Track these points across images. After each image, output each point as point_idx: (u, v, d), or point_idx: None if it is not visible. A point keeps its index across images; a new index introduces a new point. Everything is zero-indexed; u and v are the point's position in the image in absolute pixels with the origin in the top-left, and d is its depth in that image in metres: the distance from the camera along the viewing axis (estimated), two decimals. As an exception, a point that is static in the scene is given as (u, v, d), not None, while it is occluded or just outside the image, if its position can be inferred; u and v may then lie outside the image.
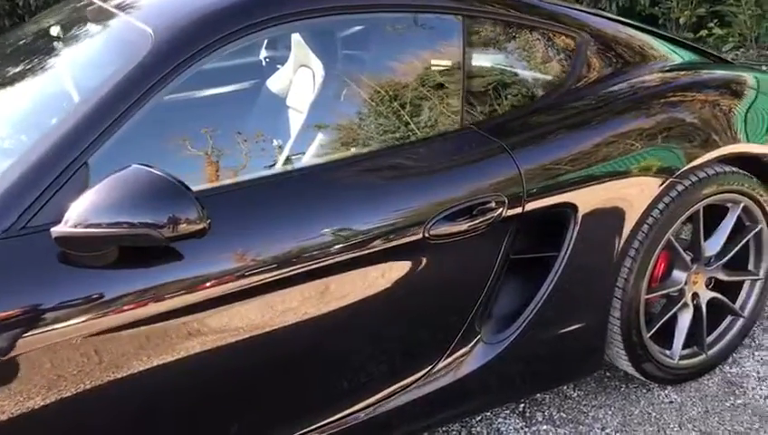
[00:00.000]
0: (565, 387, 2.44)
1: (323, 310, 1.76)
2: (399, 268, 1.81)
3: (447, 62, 2.01)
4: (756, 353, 2.58)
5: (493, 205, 1.86)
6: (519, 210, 1.90)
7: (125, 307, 1.52)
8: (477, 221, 1.85)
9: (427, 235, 1.79)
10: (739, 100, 2.39)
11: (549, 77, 2.19)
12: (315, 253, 1.72)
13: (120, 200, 1.40)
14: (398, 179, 1.84)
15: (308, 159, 2.08)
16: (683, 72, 2.43)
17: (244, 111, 2.67)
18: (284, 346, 1.77)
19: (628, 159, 2.05)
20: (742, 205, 2.33)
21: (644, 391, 2.42)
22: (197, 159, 2.07)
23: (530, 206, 1.92)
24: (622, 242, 2.09)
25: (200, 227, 1.45)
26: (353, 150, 1.98)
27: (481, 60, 2.08)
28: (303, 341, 1.79)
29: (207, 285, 1.58)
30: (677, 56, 2.55)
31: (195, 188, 1.69)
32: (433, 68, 2.04)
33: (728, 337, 2.49)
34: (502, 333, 2.04)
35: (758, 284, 2.49)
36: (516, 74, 2.15)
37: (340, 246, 1.74)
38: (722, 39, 7.34)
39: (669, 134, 2.13)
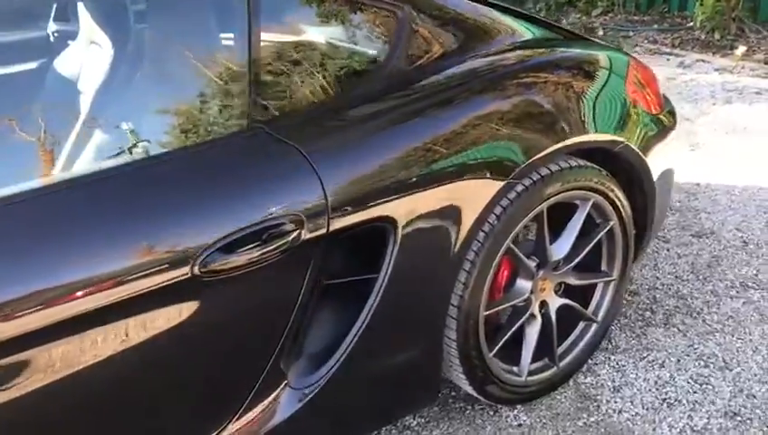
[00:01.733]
0: (404, 414, 2.15)
1: (73, 371, 1.36)
2: (167, 315, 1.42)
3: (228, 40, 1.61)
4: (612, 358, 2.38)
5: (287, 227, 1.50)
6: (323, 231, 1.55)
7: None
8: (268, 249, 1.48)
9: (197, 272, 1.41)
10: (590, 82, 2.12)
11: (363, 62, 1.83)
12: (59, 299, 1.31)
13: None
14: (157, 200, 1.43)
15: (78, 168, 1.64)
16: (526, 52, 2.13)
17: (20, 100, 2.17)
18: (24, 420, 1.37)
19: (457, 159, 1.74)
20: (591, 202, 2.08)
21: (491, 413, 2.16)
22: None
23: (337, 224, 1.57)
24: (453, 256, 1.78)
25: None
26: (117, 160, 1.55)
27: (274, 38, 1.69)
28: (50, 412, 1.39)
29: None
30: (524, 31, 2.26)
31: None
32: (213, 48, 1.64)
33: (582, 345, 2.26)
34: (313, 373, 1.69)
35: (612, 285, 2.26)
36: (321, 57, 1.77)
37: (86, 290, 1.33)
38: (591, 3, 7.26)
39: (506, 126, 1.83)
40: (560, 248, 2.08)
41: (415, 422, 2.13)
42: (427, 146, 1.70)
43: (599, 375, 2.30)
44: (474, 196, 1.77)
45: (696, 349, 2.41)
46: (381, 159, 1.64)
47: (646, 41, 6.38)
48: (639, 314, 2.60)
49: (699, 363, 2.34)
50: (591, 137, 2.00)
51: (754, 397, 2.18)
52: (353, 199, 1.58)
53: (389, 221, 1.65)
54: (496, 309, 1.99)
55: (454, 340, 1.92)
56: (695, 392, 2.22)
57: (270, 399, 1.64)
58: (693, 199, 3.44)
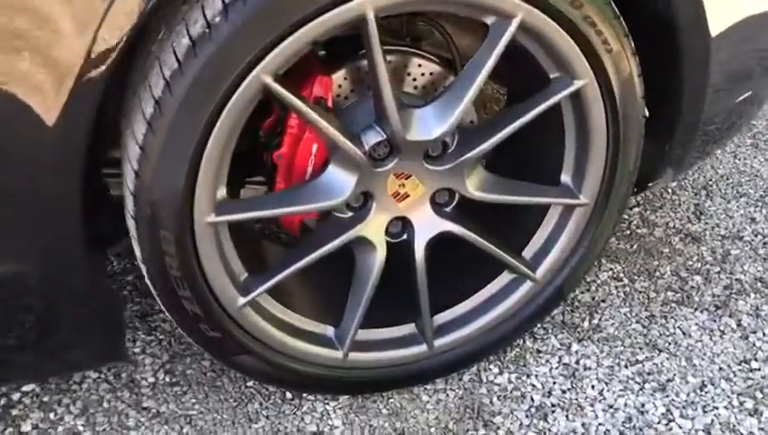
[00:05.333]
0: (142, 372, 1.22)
1: None
2: None
3: None
4: (576, 349, 1.27)
5: None
6: None
7: None
8: None
9: None
10: None
11: None
12: None
13: None
14: None
15: None
16: None
17: None
18: None
19: None
20: (515, 23, 0.92)
21: (287, 398, 1.20)
22: None
23: None
24: (74, 98, 0.79)
25: None
26: None
27: None
28: None
29: None
30: None
31: None
32: None
33: (495, 314, 1.17)
34: None
35: (577, 214, 1.13)
36: None
37: None
38: None
39: None
40: (433, 117, 0.98)
41: (160, 381, 1.21)
42: None
43: (527, 374, 1.22)
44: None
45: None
46: None
47: None
48: (680, 283, 1.42)
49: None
50: None
51: None
52: None
53: None
54: (244, 216, 0.96)
55: (142, 261, 0.95)
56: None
57: None
58: None
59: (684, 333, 1.30)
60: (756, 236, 1.53)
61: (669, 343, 1.28)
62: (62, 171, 0.85)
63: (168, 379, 1.21)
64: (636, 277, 1.42)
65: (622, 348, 1.27)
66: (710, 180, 1.70)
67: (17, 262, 0.91)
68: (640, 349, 1.27)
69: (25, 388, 1.18)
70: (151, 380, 1.21)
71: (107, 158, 1.02)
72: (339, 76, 1.04)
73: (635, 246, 1.50)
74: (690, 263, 1.46)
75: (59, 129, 0.81)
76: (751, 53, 1.18)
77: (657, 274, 1.43)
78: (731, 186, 1.68)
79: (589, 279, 1.40)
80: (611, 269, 1.44)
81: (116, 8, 0.78)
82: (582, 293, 1.37)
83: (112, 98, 0.96)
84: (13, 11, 0.76)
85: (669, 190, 1.67)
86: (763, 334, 1.29)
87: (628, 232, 1.54)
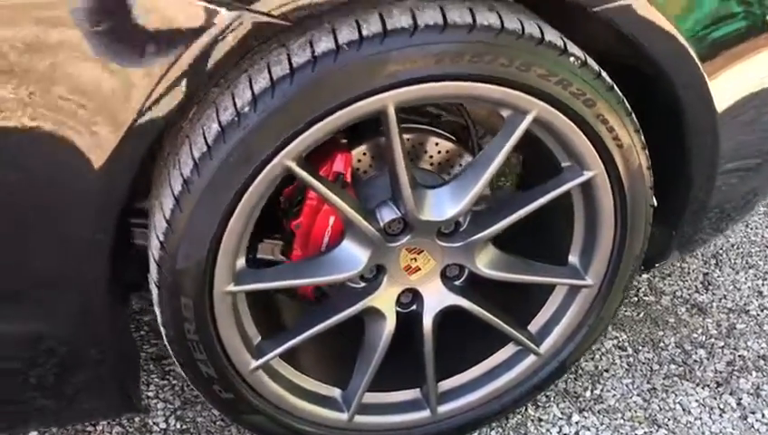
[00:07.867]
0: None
1: None
2: None
3: None
4: (576, 419, 1.30)
5: None
6: None
7: None
8: None
9: None
10: None
11: None
12: None
13: None
14: None
15: None
16: None
17: None
18: None
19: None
20: (531, 117, 0.96)
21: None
22: None
23: None
24: (103, 170, 0.83)
25: None
26: None
27: None
28: None
29: None
30: None
31: None
32: None
33: (499, 383, 1.20)
34: None
35: (582, 295, 1.16)
36: None
37: None
38: None
39: None
40: (447, 199, 1.02)
41: (175, 425, 1.25)
42: None
43: (528, 444, 1.26)
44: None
45: (749, 452, 1.25)
46: None
47: None
48: (683, 356, 1.44)
49: (736, 486, 1.20)
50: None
51: None
52: None
53: None
54: (262, 286, 1.01)
55: (162, 324, 1.00)
56: None
57: None
58: None
59: (684, 409, 1.33)
60: (762, 310, 1.55)
61: (669, 419, 1.30)
62: (101, 217, 0.89)
63: (178, 425, 1.26)
64: (640, 347, 1.45)
65: (622, 421, 1.30)
66: (720, 249, 1.73)
67: (43, 310, 0.96)
68: (639, 423, 1.29)
69: (43, 429, 1.24)
70: (162, 425, 1.26)
71: (133, 208, 1.07)
72: (359, 151, 1.08)
73: (641, 314, 1.53)
74: (695, 335, 1.48)
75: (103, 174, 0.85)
76: (762, 132, 1.20)
77: (662, 345, 1.46)
78: (741, 256, 1.71)
79: (594, 347, 1.44)
80: (617, 338, 1.47)
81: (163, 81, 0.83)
82: (587, 361, 1.41)
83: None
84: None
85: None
86: (762, 416, 1.31)
87: (636, 299, 1.57)
